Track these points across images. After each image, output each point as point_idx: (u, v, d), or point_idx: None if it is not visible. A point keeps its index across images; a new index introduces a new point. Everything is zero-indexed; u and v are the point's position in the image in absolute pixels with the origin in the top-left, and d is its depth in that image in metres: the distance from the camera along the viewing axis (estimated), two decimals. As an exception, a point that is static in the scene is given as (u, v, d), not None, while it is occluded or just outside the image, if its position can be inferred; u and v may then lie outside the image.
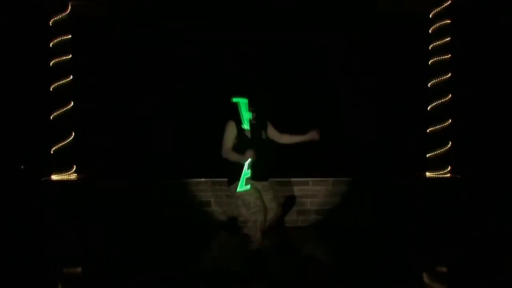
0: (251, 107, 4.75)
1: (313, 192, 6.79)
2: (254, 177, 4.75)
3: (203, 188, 6.75)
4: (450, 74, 7.14)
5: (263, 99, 4.89)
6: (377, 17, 7.81)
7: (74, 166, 7.25)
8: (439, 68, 7.15)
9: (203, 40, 8.04)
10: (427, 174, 7.24)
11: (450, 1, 7.10)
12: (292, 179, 6.79)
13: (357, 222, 6.68)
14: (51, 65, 7.09)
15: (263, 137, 4.89)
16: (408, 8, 7.39)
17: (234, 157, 4.73)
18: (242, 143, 4.77)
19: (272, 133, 5.01)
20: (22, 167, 7.75)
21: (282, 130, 5.09)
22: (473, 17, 7.66)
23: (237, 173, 4.69)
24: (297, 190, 6.78)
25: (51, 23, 7.09)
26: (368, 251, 5.79)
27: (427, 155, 7.27)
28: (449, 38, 7.14)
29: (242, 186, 4.69)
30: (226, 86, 7.55)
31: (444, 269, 5.41)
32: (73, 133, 7.19)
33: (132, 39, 8.04)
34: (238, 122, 4.76)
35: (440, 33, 7.15)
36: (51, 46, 7.09)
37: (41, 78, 7.33)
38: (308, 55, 8.20)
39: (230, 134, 4.78)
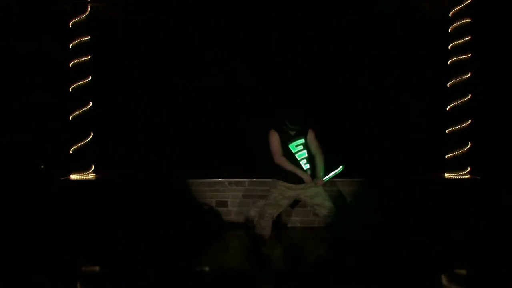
0: (293, 126, 5.34)
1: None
2: (292, 181, 5.42)
3: (220, 188, 6.76)
4: (470, 74, 7.04)
5: (300, 118, 5.40)
6: (394, 15, 7.74)
7: (93, 166, 7.33)
8: (459, 68, 7.06)
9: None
10: (446, 175, 7.15)
11: (470, 0, 7.00)
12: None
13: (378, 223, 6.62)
14: (70, 66, 7.19)
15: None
16: (427, 6, 7.30)
17: (288, 166, 5.38)
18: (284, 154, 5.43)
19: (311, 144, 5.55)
20: (42, 166, 7.86)
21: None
22: (494, 16, 7.53)
23: (285, 176, 5.43)
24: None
25: (71, 25, 7.18)
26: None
27: (446, 156, 7.17)
28: (469, 37, 7.04)
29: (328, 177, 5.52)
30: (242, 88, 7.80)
31: (464, 271, 5.35)
32: (92, 133, 7.27)
33: (148, 40, 8.09)
34: (279, 131, 5.37)
35: (460, 32, 7.06)
36: (70, 47, 7.19)
37: (60, 79, 7.43)
38: (327, 55, 8.13)
39: (275, 142, 5.38)
